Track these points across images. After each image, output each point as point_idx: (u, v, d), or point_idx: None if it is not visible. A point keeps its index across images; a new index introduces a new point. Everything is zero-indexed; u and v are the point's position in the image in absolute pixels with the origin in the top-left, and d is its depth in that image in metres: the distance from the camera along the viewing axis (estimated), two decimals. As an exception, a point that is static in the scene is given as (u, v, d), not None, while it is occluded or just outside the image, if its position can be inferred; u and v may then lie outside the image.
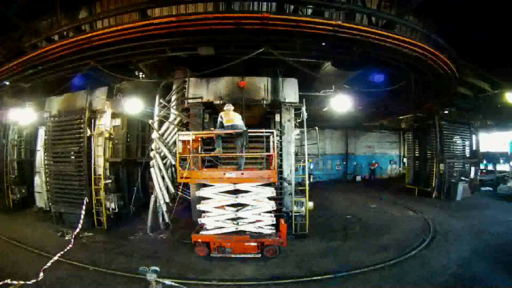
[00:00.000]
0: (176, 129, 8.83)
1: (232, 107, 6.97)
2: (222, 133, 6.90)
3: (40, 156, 10.32)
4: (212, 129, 7.60)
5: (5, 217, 10.08)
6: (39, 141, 10.58)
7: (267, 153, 7.37)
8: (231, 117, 6.81)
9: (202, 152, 7.75)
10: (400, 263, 6.38)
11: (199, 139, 7.46)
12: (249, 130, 6.99)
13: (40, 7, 7.08)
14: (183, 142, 6.82)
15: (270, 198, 6.97)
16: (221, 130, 6.87)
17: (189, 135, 6.77)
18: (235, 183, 6.77)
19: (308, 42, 7.19)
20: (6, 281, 5.25)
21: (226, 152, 7.60)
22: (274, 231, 6.88)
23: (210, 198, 6.97)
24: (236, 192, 6.91)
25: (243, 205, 6.94)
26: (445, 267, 6.02)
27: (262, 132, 7.40)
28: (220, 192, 6.93)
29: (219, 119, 7.03)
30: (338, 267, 6.23)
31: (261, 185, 6.91)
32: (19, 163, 11.89)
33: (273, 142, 6.63)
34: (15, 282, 5.34)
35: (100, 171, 9.17)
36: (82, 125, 9.25)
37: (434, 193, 13.88)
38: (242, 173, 6.56)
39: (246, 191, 6.90)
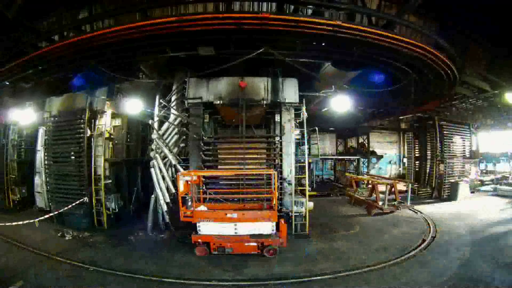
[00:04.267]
0: (176, 129, 8.84)
1: None
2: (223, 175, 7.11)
3: (40, 156, 10.31)
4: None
5: (5, 217, 10.06)
6: (39, 141, 10.57)
7: (268, 189, 7.73)
8: None
9: (203, 187, 8.17)
10: (401, 263, 6.38)
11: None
12: (249, 171, 7.91)
13: (40, 7, 7.08)
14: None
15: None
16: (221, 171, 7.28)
17: (191, 175, 7.08)
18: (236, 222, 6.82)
19: (308, 42, 7.20)
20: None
21: (229, 189, 8.35)
22: (274, 231, 6.88)
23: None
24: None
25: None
26: (445, 267, 6.01)
27: (263, 174, 8.08)
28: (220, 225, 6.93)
29: None
30: (338, 267, 6.23)
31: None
32: (19, 163, 11.88)
33: (274, 182, 6.75)
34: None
35: (100, 171, 9.17)
36: (82, 125, 9.24)
37: (434, 193, 13.91)
38: (243, 214, 6.77)
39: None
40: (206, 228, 6.79)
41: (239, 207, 7.60)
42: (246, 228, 6.74)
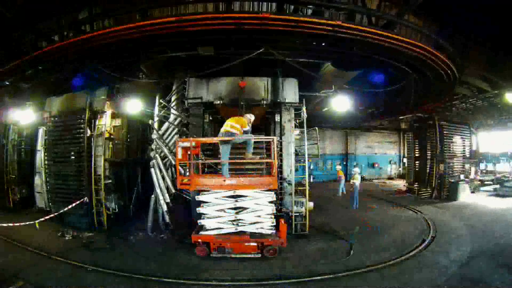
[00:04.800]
0: (176, 129, 8.84)
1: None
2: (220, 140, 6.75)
3: (40, 156, 10.32)
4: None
5: (5, 218, 10.06)
6: (39, 141, 10.58)
7: (267, 160, 7.50)
8: (229, 123, 6.64)
9: (203, 158, 7.77)
10: (401, 263, 6.38)
11: (199, 145, 7.36)
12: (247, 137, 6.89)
13: (40, 7, 7.09)
14: (183, 148, 6.74)
15: (270, 202, 6.95)
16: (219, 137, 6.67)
17: (189, 142, 6.73)
18: (235, 190, 6.73)
19: (308, 42, 7.22)
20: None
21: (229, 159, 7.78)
22: (274, 231, 6.88)
23: (209, 202, 6.96)
24: (236, 195, 6.88)
25: (243, 208, 6.91)
26: (445, 267, 6.01)
27: (262, 139, 7.65)
28: (219, 198, 6.90)
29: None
30: (338, 267, 6.23)
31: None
32: (19, 163, 11.87)
33: (273, 148, 6.51)
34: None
35: (100, 171, 9.16)
36: (82, 125, 9.23)
37: (434, 193, 13.87)
38: (243, 180, 6.58)
39: (246, 196, 6.88)
40: (207, 210, 6.78)
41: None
42: (248, 218, 6.75)
